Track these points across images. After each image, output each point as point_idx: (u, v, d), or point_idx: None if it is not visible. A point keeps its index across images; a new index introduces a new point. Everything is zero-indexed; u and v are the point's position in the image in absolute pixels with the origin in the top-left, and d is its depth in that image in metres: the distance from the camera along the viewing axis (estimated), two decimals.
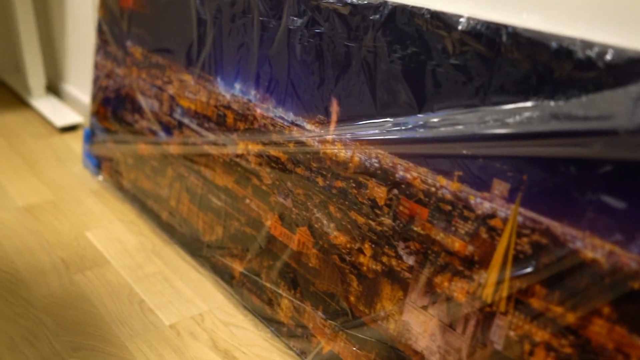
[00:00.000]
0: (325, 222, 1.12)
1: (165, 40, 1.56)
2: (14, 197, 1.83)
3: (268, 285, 1.27)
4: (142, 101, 1.67)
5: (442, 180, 0.91)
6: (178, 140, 1.53)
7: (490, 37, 0.84)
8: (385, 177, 1.00)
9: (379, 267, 1.02)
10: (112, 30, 1.80)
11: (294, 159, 1.17)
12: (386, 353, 1.02)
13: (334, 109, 1.08)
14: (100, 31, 1.86)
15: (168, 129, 1.57)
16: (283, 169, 1.20)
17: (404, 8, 0.96)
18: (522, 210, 0.81)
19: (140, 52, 1.67)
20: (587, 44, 0.74)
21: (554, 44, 0.77)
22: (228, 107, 1.35)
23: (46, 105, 2.53)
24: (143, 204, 1.71)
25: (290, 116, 1.18)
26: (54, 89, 2.74)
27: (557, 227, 0.77)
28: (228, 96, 1.35)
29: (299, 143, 1.16)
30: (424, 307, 0.95)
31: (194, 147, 1.47)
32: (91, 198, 1.86)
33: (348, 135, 1.06)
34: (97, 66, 1.90)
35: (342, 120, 1.07)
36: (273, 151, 1.23)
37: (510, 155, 0.82)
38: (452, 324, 0.91)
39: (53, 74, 2.74)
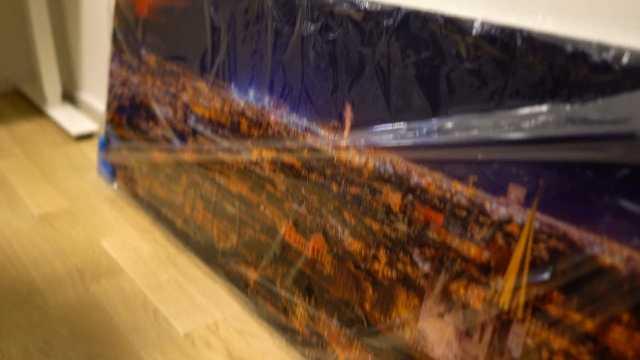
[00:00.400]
0: (339, 228, 1.11)
1: (179, 48, 1.56)
2: (29, 206, 1.84)
3: (283, 293, 1.26)
4: (157, 109, 1.67)
5: (457, 186, 0.90)
6: (192, 147, 1.53)
7: (504, 41, 0.83)
8: (399, 182, 0.99)
9: (394, 274, 1.01)
10: (127, 39, 1.80)
11: (308, 166, 1.17)
12: None
13: (348, 114, 1.08)
14: (115, 39, 1.87)
15: (182, 137, 1.56)
16: (297, 175, 1.20)
17: (417, 13, 0.95)
18: (538, 215, 0.80)
19: (155, 60, 1.67)
20: (603, 47, 0.72)
21: (569, 47, 0.76)
22: (242, 114, 1.35)
23: (62, 114, 2.54)
24: (157, 212, 1.71)
25: (304, 122, 1.17)
26: (69, 97, 2.75)
27: (574, 232, 0.76)
28: (242, 103, 1.35)
29: (313, 149, 1.15)
30: (440, 315, 0.94)
31: (208, 155, 1.46)
32: (106, 206, 1.86)
33: (362, 141, 1.05)
34: (112, 74, 1.90)
35: (356, 126, 1.06)
36: (287, 158, 1.22)
37: (526, 159, 0.81)
38: (469, 332, 0.90)
39: (69, 82, 2.75)
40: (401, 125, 0.98)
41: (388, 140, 1.00)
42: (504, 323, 0.84)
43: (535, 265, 0.80)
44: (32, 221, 1.75)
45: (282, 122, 1.23)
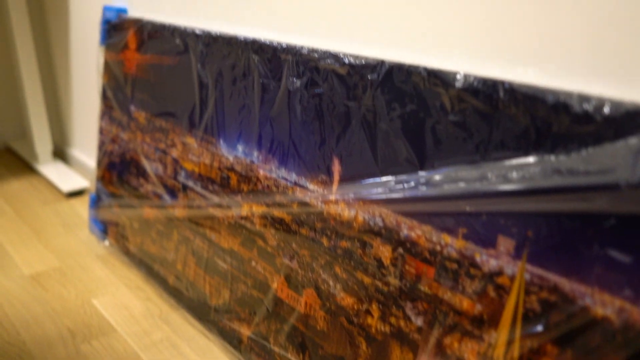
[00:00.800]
0: (331, 283, 1.10)
1: (168, 104, 1.57)
2: (20, 265, 1.82)
3: (276, 349, 1.25)
4: (147, 165, 1.67)
5: (447, 238, 0.89)
6: (183, 203, 1.52)
7: (487, 93, 0.84)
8: (389, 236, 0.98)
9: (387, 329, 1.00)
10: (116, 96, 1.81)
11: (298, 220, 1.16)
12: None
13: (336, 168, 1.08)
14: (104, 97, 1.88)
15: (173, 192, 1.56)
16: (287, 230, 1.19)
17: (400, 67, 0.96)
18: (529, 266, 0.79)
19: (144, 117, 1.68)
20: (584, 98, 0.73)
21: (550, 98, 0.76)
22: (231, 169, 1.35)
23: (53, 171, 2.54)
24: (150, 269, 1.70)
25: (293, 177, 1.17)
26: (60, 154, 2.75)
27: (565, 283, 0.75)
28: (231, 158, 1.35)
29: (303, 203, 1.15)
30: None
31: (198, 210, 1.46)
32: (97, 264, 1.84)
33: (351, 195, 1.05)
34: (102, 131, 1.91)
35: (345, 179, 1.06)
36: (277, 212, 1.22)
37: (514, 211, 0.80)
38: None
39: (60, 139, 2.76)
40: (389, 178, 0.98)
41: (376, 193, 1.00)
42: None
43: (528, 318, 0.79)
44: (23, 281, 1.73)
45: (271, 177, 1.23)
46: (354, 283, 1.05)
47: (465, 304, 0.87)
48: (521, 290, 0.80)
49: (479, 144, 0.85)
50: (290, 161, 1.18)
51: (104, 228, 1.93)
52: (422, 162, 0.93)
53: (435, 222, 0.91)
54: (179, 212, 1.54)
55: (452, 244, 0.89)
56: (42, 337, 1.48)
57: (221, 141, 1.38)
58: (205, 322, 1.48)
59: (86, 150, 2.53)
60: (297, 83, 1.16)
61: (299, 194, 1.16)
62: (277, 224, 1.22)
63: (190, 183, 1.49)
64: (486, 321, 0.85)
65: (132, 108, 1.73)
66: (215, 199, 1.40)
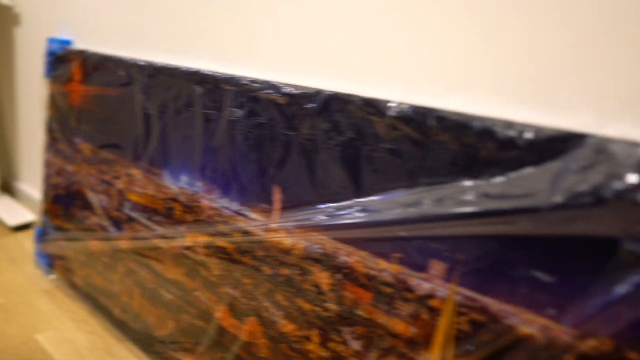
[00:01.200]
0: (273, 310, 1.11)
1: (113, 135, 1.57)
2: None
3: None
4: (92, 197, 1.66)
5: (383, 263, 0.91)
6: (128, 234, 1.52)
7: (419, 120, 0.86)
8: (328, 262, 1.00)
9: (327, 354, 1.01)
10: (61, 128, 1.80)
11: (241, 249, 1.17)
12: None
13: (277, 197, 1.09)
14: (50, 129, 1.87)
15: (118, 224, 1.56)
16: (230, 259, 1.20)
17: (337, 96, 0.98)
18: (459, 289, 0.81)
19: (89, 149, 1.67)
20: (508, 124, 0.76)
21: (477, 125, 0.79)
22: (175, 200, 1.35)
23: None
24: (95, 301, 1.68)
25: (235, 206, 1.18)
26: (7, 188, 2.72)
27: (493, 304, 0.77)
28: (175, 188, 1.35)
29: (245, 232, 1.16)
30: None
31: (143, 241, 1.46)
32: (42, 298, 1.82)
33: (291, 223, 1.06)
34: (47, 164, 1.90)
35: (285, 207, 1.08)
36: (220, 242, 1.22)
37: (445, 235, 0.83)
38: None
39: (7, 173, 2.72)
40: (327, 206, 1.00)
41: (315, 220, 1.01)
42: None
43: (459, 339, 0.81)
44: None
45: (214, 207, 1.24)
46: (295, 310, 1.06)
47: (400, 327, 0.89)
48: (452, 312, 0.82)
49: (412, 170, 0.87)
50: (233, 190, 1.20)
51: (50, 262, 1.91)
52: (359, 189, 0.95)
53: (371, 248, 0.93)
54: (124, 244, 1.53)
55: (388, 268, 0.91)
56: None
57: (165, 172, 1.39)
58: (150, 354, 1.47)
59: (33, 184, 2.50)
60: (238, 113, 1.17)
61: (241, 223, 1.17)
62: (221, 253, 1.22)
63: (135, 214, 1.49)
64: (420, 343, 0.86)
65: (77, 140, 1.72)
66: (160, 230, 1.40)
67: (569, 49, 0.75)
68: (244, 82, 1.16)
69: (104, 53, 1.61)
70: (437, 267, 0.84)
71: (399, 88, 0.97)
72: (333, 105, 0.99)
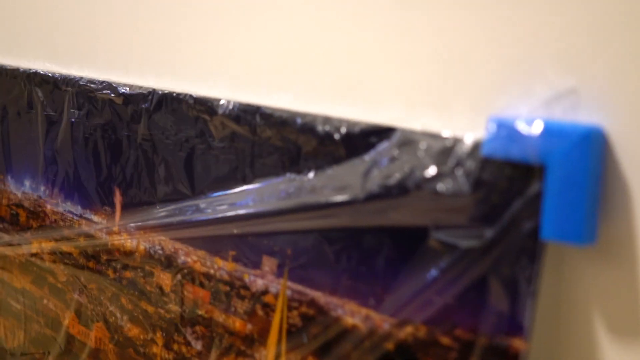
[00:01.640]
0: (119, 314, 1.09)
1: None
2: None
3: None
4: None
5: (219, 262, 0.91)
6: None
7: (247, 118, 0.87)
8: (169, 263, 0.99)
9: (171, 356, 1.00)
10: None
11: (85, 253, 1.14)
12: None
13: (118, 199, 1.07)
14: None
15: None
16: (76, 264, 1.17)
17: (170, 95, 0.97)
18: (290, 284, 0.82)
19: None
20: (326, 120, 0.77)
21: (299, 121, 0.80)
22: (20, 206, 1.30)
23: None
24: None
25: (79, 210, 1.16)
26: None
27: (320, 297, 0.79)
28: (19, 194, 1.31)
29: (89, 236, 1.13)
30: None
31: None
32: None
33: (132, 225, 1.04)
34: None
35: (126, 209, 1.06)
36: (65, 247, 1.19)
37: (274, 231, 0.84)
38: None
39: None
40: (166, 206, 0.99)
41: (155, 221, 1.00)
42: None
43: (292, 333, 0.82)
44: None
45: (58, 211, 1.20)
46: (139, 313, 1.05)
47: (237, 324, 0.89)
48: (284, 307, 0.83)
49: (243, 168, 0.88)
50: (76, 194, 1.16)
51: None
52: (194, 188, 0.95)
53: (208, 247, 0.93)
54: None
55: (224, 267, 0.91)
56: None
57: (9, 177, 1.34)
58: None
59: None
60: (78, 115, 1.14)
61: (85, 226, 1.14)
62: (66, 259, 1.19)
63: None
64: (256, 339, 0.87)
65: None
66: (6, 237, 1.35)
67: (381, 48, 0.77)
68: (82, 82, 1.14)
69: None
70: (269, 263, 0.85)
71: (230, 87, 0.96)
72: (166, 105, 0.98)
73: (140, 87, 1.03)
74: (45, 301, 1.26)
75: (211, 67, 0.99)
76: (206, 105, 0.92)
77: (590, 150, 0.59)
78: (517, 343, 0.63)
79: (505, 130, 0.62)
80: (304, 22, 0.85)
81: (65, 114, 1.17)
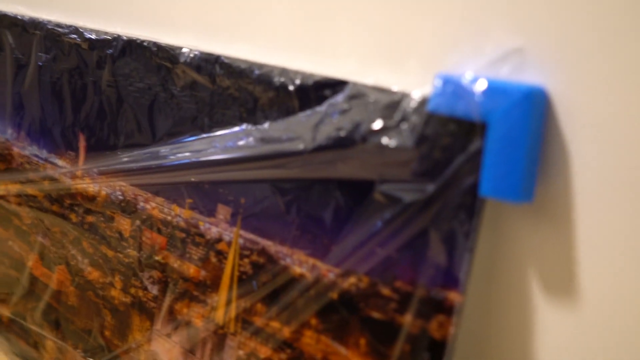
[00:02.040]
0: (80, 258, 1.10)
1: None
2: None
3: (33, 327, 1.23)
4: None
5: (177, 209, 0.93)
6: None
7: (207, 68, 0.87)
8: (128, 209, 1.00)
9: (128, 299, 1.02)
10: None
11: (50, 197, 1.15)
12: None
13: (82, 144, 1.08)
14: None
15: None
16: (40, 207, 1.18)
17: (134, 42, 0.97)
18: (242, 232, 0.84)
19: None
20: (282, 71, 0.78)
21: (256, 72, 0.81)
22: None
23: None
24: None
25: (44, 153, 1.16)
26: None
27: (270, 246, 0.80)
28: None
29: (53, 180, 1.14)
30: (168, 335, 0.95)
31: None
32: None
33: (95, 170, 1.05)
34: None
35: (89, 154, 1.07)
36: (31, 190, 1.20)
37: (230, 180, 0.85)
38: (193, 349, 0.92)
39: None
40: (128, 152, 1.00)
41: (117, 167, 1.01)
42: (220, 338, 0.88)
43: (242, 280, 0.84)
44: None
45: (24, 154, 1.21)
46: (100, 257, 1.06)
47: (192, 270, 0.91)
48: (236, 255, 0.85)
49: (203, 116, 0.88)
50: (42, 138, 1.17)
51: None
52: (155, 135, 0.95)
53: (166, 194, 0.94)
54: None
55: (181, 214, 0.92)
56: None
57: None
58: None
59: None
60: (45, 58, 1.14)
61: (50, 170, 1.15)
62: (31, 202, 1.20)
63: None
64: (209, 286, 0.89)
65: None
66: None
67: (339, 3, 0.78)
68: (50, 26, 1.13)
69: None
70: (223, 211, 0.86)
71: (194, 36, 0.96)
72: (130, 51, 0.98)
73: (106, 33, 1.03)
74: (10, 243, 1.27)
75: (176, 16, 0.99)
76: (169, 54, 0.92)
77: (530, 109, 0.60)
78: (452, 296, 0.64)
79: (451, 87, 0.63)
80: None
81: (33, 58, 1.17)
